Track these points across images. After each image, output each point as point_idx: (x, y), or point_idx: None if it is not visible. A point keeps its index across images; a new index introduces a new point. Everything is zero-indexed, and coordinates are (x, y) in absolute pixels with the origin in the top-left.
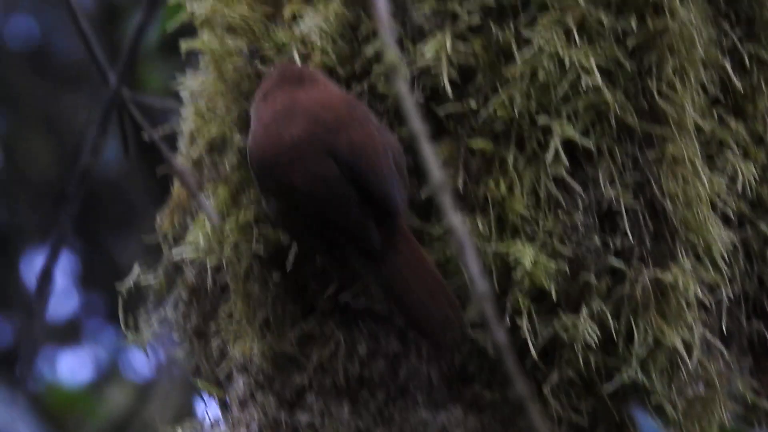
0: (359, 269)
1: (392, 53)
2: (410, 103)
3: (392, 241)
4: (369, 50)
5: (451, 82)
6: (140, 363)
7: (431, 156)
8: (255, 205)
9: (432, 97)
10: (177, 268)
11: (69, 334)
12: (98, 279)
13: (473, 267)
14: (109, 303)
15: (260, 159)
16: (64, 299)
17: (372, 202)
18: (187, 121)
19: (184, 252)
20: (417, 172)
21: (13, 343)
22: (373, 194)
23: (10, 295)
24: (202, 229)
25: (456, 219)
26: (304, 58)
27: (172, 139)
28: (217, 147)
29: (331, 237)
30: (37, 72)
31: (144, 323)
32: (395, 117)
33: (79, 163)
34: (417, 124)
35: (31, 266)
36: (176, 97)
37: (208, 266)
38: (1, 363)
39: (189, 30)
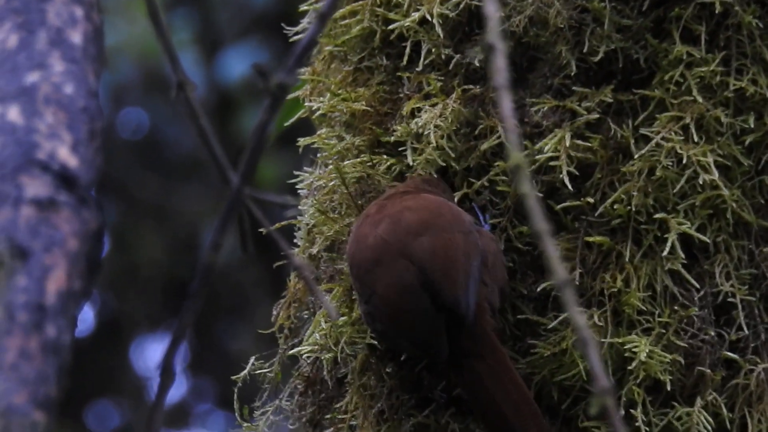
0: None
1: (516, 152)
2: (534, 201)
3: (474, 348)
4: (485, 145)
5: (569, 177)
6: None
7: (554, 253)
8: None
9: (550, 192)
10: (292, 359)
11: (178, 418)
12: (208, 365)
13: (595, 362)
14: (218, 389)
15: (350, 258)
16: (174, 383)
17: (445, 309)
18: (305, 217)
19: (302, 348)
20: (534, 266)
21: (122, 428)
22: (445, 300)
23: (120, 381)
24: (317, 325)
25: (579, 315)
26: (418, 152)
27: (288, 234)
28: (335, 244)
29: (403, 344)
30: (147, 162)
31: (259, 413)
32: (515, 214)
33: (201, 259)
34: (541, 222)
35: (141, 354)
36: (292, 191)
37: (324, 361)
38: None
39: (305, 124)
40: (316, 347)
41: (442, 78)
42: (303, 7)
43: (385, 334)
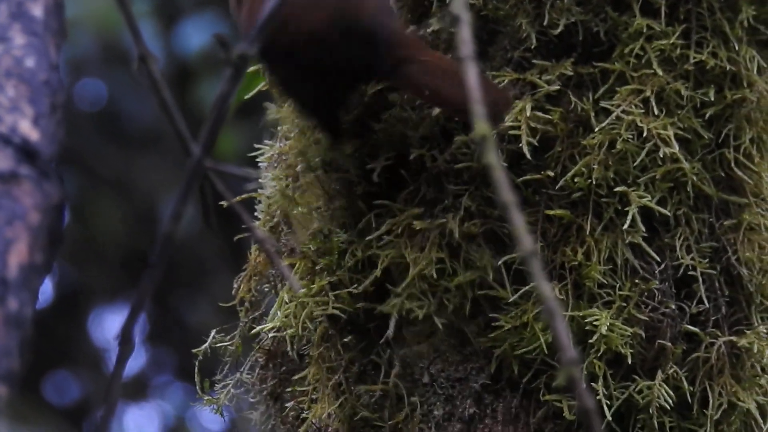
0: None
1: (483, 124)
2: (501, 173)
3: (404, 55)
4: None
5: (529, 149)
6: (208, 420)
7: (521, 225)
8: (329, 271)
9: (509, 166)
10: (253, 332)
11: (136, 390)
12: (167, 337)
13: (562, 334)
14: (177, 360)
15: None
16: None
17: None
18: (266, 190)
19: (264, 326)
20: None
21: (81, 399)
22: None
23: (78, 353)
24: (281, 303)
25: (546, 287)
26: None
27: (249, 206)
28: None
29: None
30: (105, 134)
31: (220, 386)
32: (482, 184)
33: (160, 230)
34: (507, 194)
35: (99, 325)
36: (252, 164)
37: (287, 336)
38: (69, 419)
39: (266, 97)
40: (278, 324)
41: None
42: None
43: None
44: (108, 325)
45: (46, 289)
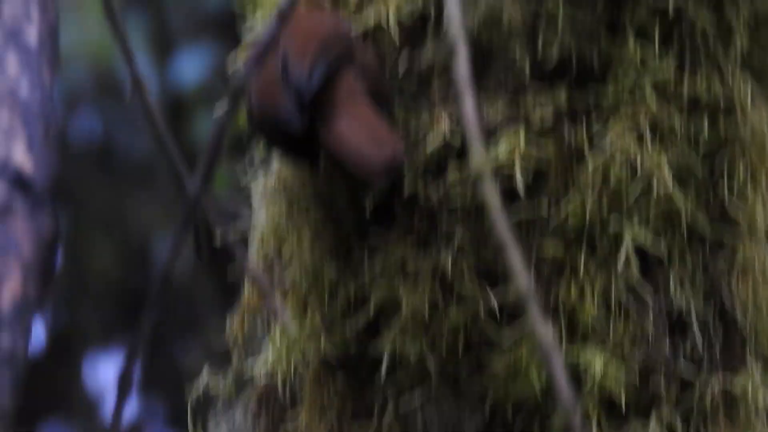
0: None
1: (480, 156)
2: (497, 208)
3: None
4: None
5: (522, 185)
6: None
7: (518, 263)
8: (320, 310)
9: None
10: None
11: None
12: (159, 382)
13: (560, 376)
14: (170, 406)
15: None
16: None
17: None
18: (259, 225)
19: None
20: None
21: None
22: (292, 69)
23: (72, 399)
24: (273, 341)
25: (543, 327)
26: None
27: (242, 242)
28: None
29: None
30: (100, 170)
31: (212, 428)
32: (476, 217)
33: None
34: (505, 230)
35: (94, 370)
36: (245, 199)
37: (279, 374)
38: None
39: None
40: (271, 362)
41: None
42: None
43: (256, 120)
44: (102, 369)
45: (39, 331)
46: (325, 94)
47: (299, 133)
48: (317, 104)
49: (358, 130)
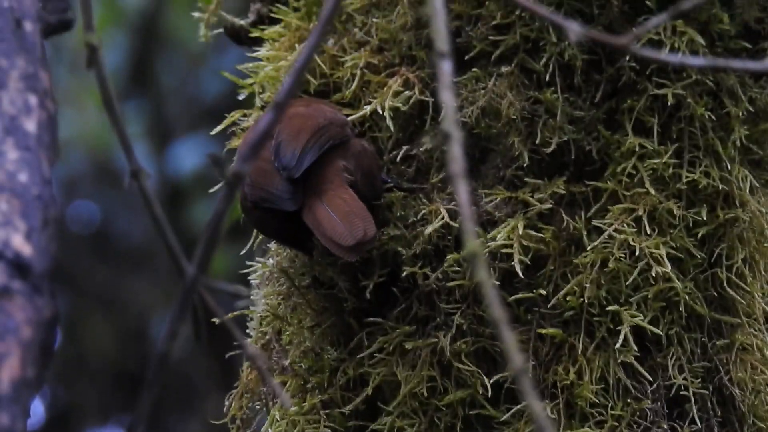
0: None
1: (474, 240)
2: (491, 290)
3: (320, 191)
4: (429, 230)
5: (521, 267)
6: None
7: (512, 342)
8: (321, 389)
9: (502, 283)
10: None
11: None
12: None
13: None
14: None
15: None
16: None
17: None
18: (258, 307)
19: None
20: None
21: None
22: (282, 155)
23: None
24: (272, 421)
25: (537, 404)
26: None
27: (241, 324)
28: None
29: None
30: (98, 254)
31: None
32: (473, 302)
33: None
34: (498, 311)
35: None
36: (244, 282)
37: None
38: None
39: None
40: None
41: (391, 166)
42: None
43: (249, 203)
44: None
45: (38, 410)
46: (313, 176)
47: (291, 211)
48: (305, 185)
49: (336, 210)
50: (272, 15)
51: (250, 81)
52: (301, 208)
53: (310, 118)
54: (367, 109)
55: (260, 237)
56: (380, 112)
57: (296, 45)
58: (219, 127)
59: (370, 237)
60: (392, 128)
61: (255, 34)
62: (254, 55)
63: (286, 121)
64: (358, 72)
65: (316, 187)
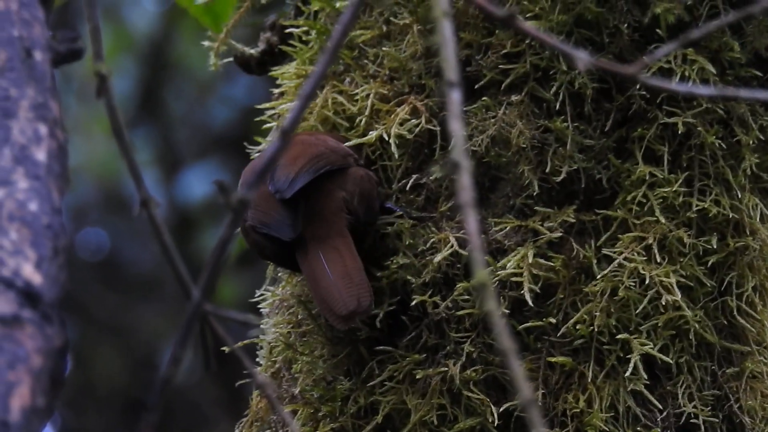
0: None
1: (482, 270)
2: (499, 320)
3: (320, 233)
4: (438, 258)
5: (531, 295)
6: None
7: (519, 372)
8: (332, 417)
9: (512, 312)
10: None
11: None
12: None
13: None
14: None
15: None
16: None
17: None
18: (268, 335)
19: None
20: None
21: None
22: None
23: None
24: None
25: None
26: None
27: (250, 352)
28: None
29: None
30: (107, 282)
31: None
32: (483, 330)
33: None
34: (507, 340)
35: None
36: (253, 310)
37: None
38: None
39: None
40: None
41: (400, 195)
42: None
43: (249, 227)
44: None
45: None
46: (313, 207)
47: (289, 239)
48: (305, 216)
49: (333, 267)
50: (282, 48)
51: (270, 113)
52: (298, 243)
53: (311, 146)
54: (372, 134)
55: (271, 266)
56: (386, 138)
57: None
58: None
59: (363, 308)
60: (397, 155)
61: (274, 74)
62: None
63: (288, 149)
64: (369, 102)
65: (316, 226)
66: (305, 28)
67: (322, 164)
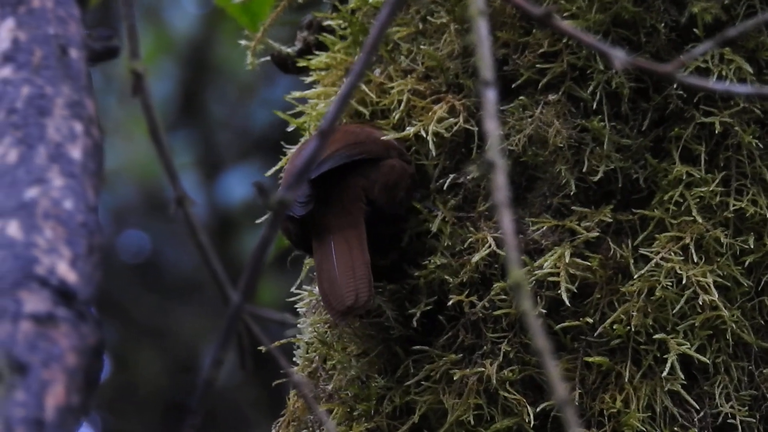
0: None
1: (517, 270)
2: (535, 319)
3: (335, 223)
4: (476, 258)
5: (568, 295)
6: None
7: (555, 372)
8: (367, 416)
9: (548, 311)
10: None
11: None
12: None
13: None
14: None
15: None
16: None
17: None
18: (305, 335)
19: None
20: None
21: None
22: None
23: None
24: None
25: None
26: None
27: (287, 352)
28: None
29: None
30: (147, 284)
31: None
32: (520, 330)
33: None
34: (542, 340)
35: None
36: (291, 311)
37: None
38: None
39: None
40: None
41: (437, 194)
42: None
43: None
44: None
45: None
46: (335, 192)
47: (299, 216)
48: (324, 203)
49: (339, 257)
50: (319, 41)
51: (302, 120)
52: (316, 228)
53: (352, 134)
54: (410, 130)
55: (308, 266)
56: (424, 135)
57: (343, 79)
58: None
59: (360, 304)
60: (434, 152)
61: (302, 64)
62: (301, 95)
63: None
64: (405, 97)
65: (334, 213)
66: (341, 22)
67: (356, 152)
